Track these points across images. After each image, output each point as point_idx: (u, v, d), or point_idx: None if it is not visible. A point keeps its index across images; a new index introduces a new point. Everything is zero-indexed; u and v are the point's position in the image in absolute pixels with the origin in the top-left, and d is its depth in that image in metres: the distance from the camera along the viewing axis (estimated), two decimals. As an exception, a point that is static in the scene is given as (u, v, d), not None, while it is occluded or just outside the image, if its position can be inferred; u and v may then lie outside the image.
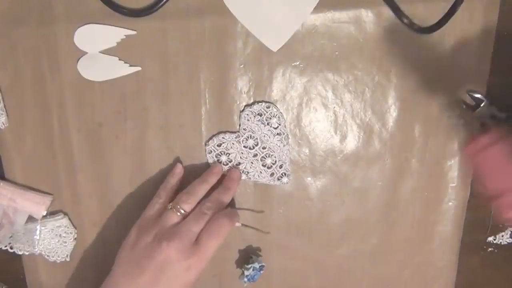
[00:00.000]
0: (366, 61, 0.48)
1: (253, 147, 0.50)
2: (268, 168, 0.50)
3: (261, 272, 0.51)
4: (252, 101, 0.49)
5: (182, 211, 0.46)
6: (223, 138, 0.50)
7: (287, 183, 0.51)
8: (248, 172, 0.50)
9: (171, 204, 0.47)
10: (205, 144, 0.50)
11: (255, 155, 0.50)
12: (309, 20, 0.47)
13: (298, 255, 0.53)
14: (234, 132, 0.50)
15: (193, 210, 0.47)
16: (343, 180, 0.51)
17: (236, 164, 0.50)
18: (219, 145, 0.50)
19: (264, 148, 0.50)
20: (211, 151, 0.50)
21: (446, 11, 0.45)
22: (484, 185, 0.40)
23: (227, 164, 0.50)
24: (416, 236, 0.52)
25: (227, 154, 0.50)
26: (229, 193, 0.49)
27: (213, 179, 0.49)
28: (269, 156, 0.50)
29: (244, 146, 0.50)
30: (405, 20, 0.45)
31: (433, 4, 0.46)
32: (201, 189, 0.48)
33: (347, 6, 0.47)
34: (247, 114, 0.49)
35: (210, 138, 0.50)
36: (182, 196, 0.47)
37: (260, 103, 0.49)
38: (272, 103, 0.49)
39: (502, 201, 0.38)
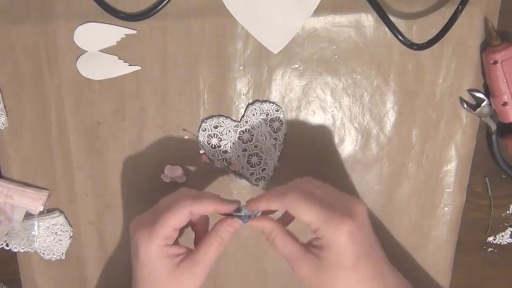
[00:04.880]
0: (366, 65, 0.48)
1: (246, 142, 0.50)
2: (251, 167, 0.50)
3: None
4: (251, 101, 0.49)
5: None
6: (222, 121, 0.50)
7: (262, 187, 0.51)
8: (230, 163, 0.50)
9: None
10: (202, 121, 0.50)
11: (244, 150, 0.50)
12: (310, 23, 0.47)
13: (294, 257, 0.53)
14: (234, 121, 0.50)
15: None
16: (340, 183, 0.51)
17: (223, 152, 0.50)
18: (215, 127, 0.50)
19: (255, 146, 0.50)
20: (206, 129, 0.50)
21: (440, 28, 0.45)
22: None
23: (214, 148, 0.50)
24: (411, 241, 0.52)
25: (219, 139, 0.50)
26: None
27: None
28: (257, 156, 0.50)
29: (238, 138, 0.50)
30: (400, 37, 0.46)
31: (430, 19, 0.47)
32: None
33: (347, 10, 0.47)
34: (255, 109, 0.49)
35: (209, 117, 0.50)
36: None
37: (271, 103, 0.49)
38: (281, 107, 0.49)
39: None
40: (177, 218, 0.39)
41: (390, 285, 0.41)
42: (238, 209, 0.41)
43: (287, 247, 0.40)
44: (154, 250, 0.39)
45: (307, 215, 0.38)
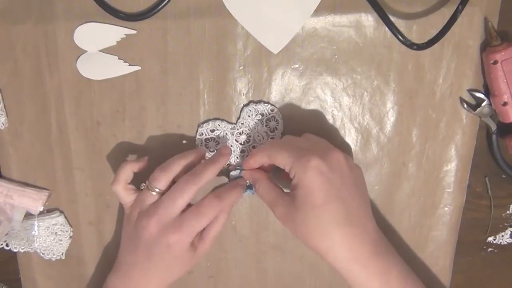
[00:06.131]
0: (366, 65, 0.48)
1: (243, 143, 0.50)
2: None
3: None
4: (246, 102, 0.50)
5: (157, 190, 0.44)
6: (218, 125, 0.50)
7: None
8: (229, 165, 0.50)
9: (145, 183, 0.45)
10: (198, 125, 0.50)
11: (243, 151, 0.50)
12: (310, 23, 0.47)
13: (294, 257, 0.53)
14: (231, 123, 0.50)
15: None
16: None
17: None
18: (212, 131, 0.50)
19: (253, 147, 0.50)
20: (202, 134, 0.50)
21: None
22: None
23: (213, 151, 0.50)
24: (411, 241, 0.52)
25: (217, 142, 0.50)
26: (214, 167, 0.44)
27: (191, 157, 0.46)
28: None
29: (236, 140, 0.50)
30: (400, 37, 0.46)
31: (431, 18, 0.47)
32: (176, 165, 0.45)
33: (347, 10, 0.47)
34: (250, 110, 0.49)
35: (205, 121, 0.50)
36: (154, 174, 0.45)
37: (265, 104, 0.49)
38: (276, 107, 0.49)
39: None
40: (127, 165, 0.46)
41: (370, 236, 0.42)
42: (234, 169, 0.49)
43: (269, 192, 0.44)
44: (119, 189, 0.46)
45: (280, 158, 0.42)
